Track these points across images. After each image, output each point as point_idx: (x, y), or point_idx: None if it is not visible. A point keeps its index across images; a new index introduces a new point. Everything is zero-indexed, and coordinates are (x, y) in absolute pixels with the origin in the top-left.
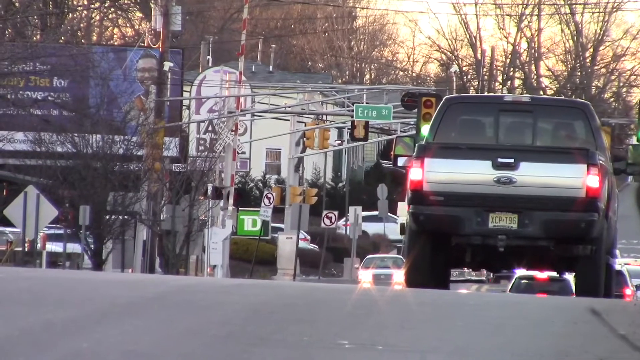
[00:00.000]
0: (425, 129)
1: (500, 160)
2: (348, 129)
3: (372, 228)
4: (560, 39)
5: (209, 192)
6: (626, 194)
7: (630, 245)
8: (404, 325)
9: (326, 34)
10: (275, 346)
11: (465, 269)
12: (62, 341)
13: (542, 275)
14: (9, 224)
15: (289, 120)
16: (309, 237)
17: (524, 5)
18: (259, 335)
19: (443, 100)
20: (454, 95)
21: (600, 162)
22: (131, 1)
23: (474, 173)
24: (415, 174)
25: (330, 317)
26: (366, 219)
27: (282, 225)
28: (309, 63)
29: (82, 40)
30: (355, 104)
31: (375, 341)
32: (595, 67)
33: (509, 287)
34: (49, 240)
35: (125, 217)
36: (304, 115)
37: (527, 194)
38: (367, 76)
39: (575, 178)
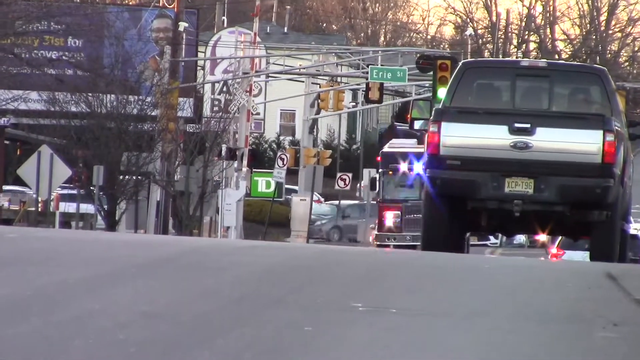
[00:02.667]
0: (441, 92)
1: (516, 125)
2: (363, 90)
3: None
4: (575, 2)
5: (223, 153)
6: None
7: None
8: (418, 288)
9: None
10: (289, 308)
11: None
12: (75, 301)
13: None
14: (22, 183)
15: (303, 81)
16: (322, 199)
17: None
18: (272, 296)
19: (460, 64)
20: (471, 59)
21: (616, 127)
22: None
23: (490, 138)
24: (432, 138)
25: (344, 280)
26: None
27: (295, 187)
28: (324, 25)
29: (97, 0)
30: (370, 66)
31: (389, 304)
32: (610, 31)
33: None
34: (62, 201)
35: (139, 177)
36: (318, 77)
37: (543, 159)
38: (382, 38)
39: (591, 144)
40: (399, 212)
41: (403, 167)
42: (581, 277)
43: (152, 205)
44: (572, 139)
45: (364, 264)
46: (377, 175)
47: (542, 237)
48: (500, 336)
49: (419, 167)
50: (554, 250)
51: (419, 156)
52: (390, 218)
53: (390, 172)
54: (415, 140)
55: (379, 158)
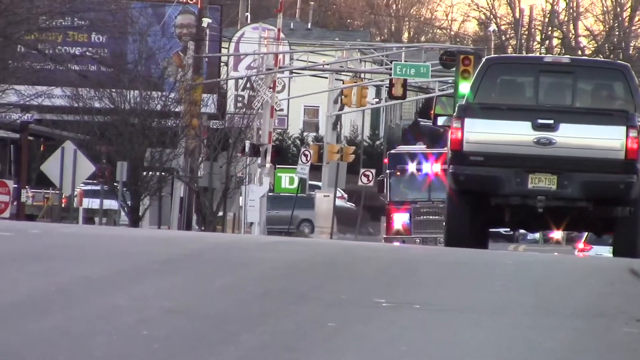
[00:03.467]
0: (463, 87)
1: (539, 121)
2: (386, 87)
3: None
4: None
5: (247, 149)
6: None
7: None
8: (441, 284)
9: None
10: (312, 304)
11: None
12: (98, 297)
13: None
14: (46, 180)
15: (327, 77)
16: (346, 195)
17: None
18: (295, 292)
19: (483, 60)
20: (495, 55)
21: None
22: None
23: (513, 134)
24: (455, 134)
25: (368, 275)
26: None
27: (319, 183)
28: (348, 21)
29: None
30: (393, 62)
31: (413, 300)
32: (634, 27)
33: None
34: (85, 197)
35: (163, 173)
36: (342, 73)
37: (566, 155)
38: (406, 34)
39: (614, 140)
40: (408, 214)
41: (411, 167)
42: (604, 273)
43: (176, 201)
44: (595, 135)
45: (387, 260)
46: (385, 177)
47: (556, 235)
48: (522, 332)
49: (427, 167)
50: (581, 245)
51: (427, 157)
52: (398, 220)
53: (398, 173)
54: (424, 145)
55: (386, 160)
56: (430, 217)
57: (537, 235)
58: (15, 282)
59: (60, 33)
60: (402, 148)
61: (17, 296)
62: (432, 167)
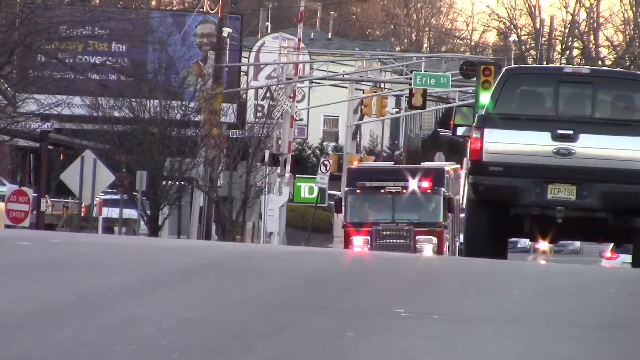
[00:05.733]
0: (484, 98)
1: (559, 131)
2: (406, 96)
3: None
4: (619, 9)
5: (266, 158)
6: None
7: None
8: (460, 294)
9: (384, 2)
10: (332, 314)
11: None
12: (117, 307)
13: None
14: (65, 189)
15: (347, 87)
16: None
17: None
18: (315, 302)
19: (503, 70)
20: (515, 65)
21: None
22: None
23: (533, 144)
24: (475, 144)
25: (387, 285)
26: None
27: (339, 193)
28: (368, 31)
29: (141, 5)
30: (413, 72)
31: (432, 310)
32: None
33: None
34: (105, 206)
35: (182, 182)
36: (362, 83)
37: (586, 165)
38: (426, 44)
39: (634, 150)
40: (368, 238)
41: (374, 185)
42: (624, 283)
43: (195, 210)
44: (615, 146)
45: (407, 270)
46: (343, 195)
47: (542, 246)
48: (542, 342)
49: (393, 185)
50: (608, 254)
51: (391, 173)
52: (357, 243)
53: (359, 191)
54: (392, 162)
55: (345, 175)
56: (394, 240)
57: (527, 243)
58: (35, 291)
59: (80, 42)
60: (365, 164)
61: (37, 305)
62: (400, 184)
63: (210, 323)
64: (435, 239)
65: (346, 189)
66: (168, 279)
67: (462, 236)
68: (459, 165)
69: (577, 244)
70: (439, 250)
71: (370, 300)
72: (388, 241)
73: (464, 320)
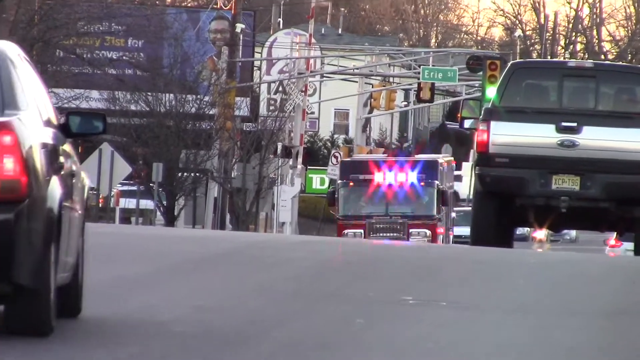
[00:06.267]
0: (490, 91)
1: (563, 124)
2: (414, 90)
3: None
4: (621, 4)
5: (279, 150)
6: None
7: None
8: (467, 282)
9: None
10: (341, 302)
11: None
12: (133, 295)
13: None
14: None
15: (357, 81)
16: None
17: None
18: (325, 291)
19: (509, 65)
20: (520, 60)
21: None
22: None
23: (538, 136)
24: (481, 136)
25: (395, 274)
26: None
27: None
28: (377, 26)
29: (157, 2)
30: (421, 67)
31: (439, 298)
32: None
33: None
34: (122, 197)
35: (197, 174)
36: (371, 77)
37: (589, 157)
38: (433, 39)
39: (636, 142)
40: (362, 231)
41: (367, 177)
42: (626, 272)
43: (210, 201)
44: (617, 138)
45: (415, 259)
46: (336, 188)
47: (539, 234)
48: (545, 329)
49: (387, 177)
50: (612, 242)
51: (387, 165)
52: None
53: (352, 183)
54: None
55: (339, 168)
56: (388, 234)
57: (525, 231)
58: None
59: (98, 38)
60: (358, 156)
61: None
62: (394, 177)
63: (225, 311)
64: (429, 232)
65: (339, 181)
66: (184, 268)
67: (455, 229)
68: (452, 158)
69: (573, 233)
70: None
71: (380, 289)
72: (381, 234)
73: (470, 308)
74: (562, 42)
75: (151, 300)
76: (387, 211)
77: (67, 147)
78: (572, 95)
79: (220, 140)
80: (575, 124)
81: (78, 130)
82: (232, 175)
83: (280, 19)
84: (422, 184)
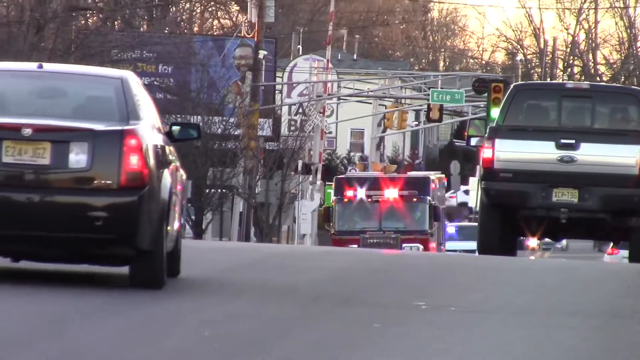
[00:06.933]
0: (494, 112)
1: (562, 141)
2: (424, 111)
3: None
4: (615, 30)
5: (299, 168)
6: None
7: None
8: (474, 288)
9: (404, 26)
10: (358, 307)
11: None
12: (166, 301)
13: None
14: None
15: (371, 103)
16: None
17: (583, 0)
18: (343, 296)
19: (511, 87)
20: (521, 82)
21: None
22: None
23: (539, 152)
24: (487, 153)
25: (408, 281)
26: None
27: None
28: (389, 52)
29: (185, 31)
30: (431, 89)
31: (449, 302)
32: None
33: None
34: None
35: (224, 190)
36: (384, 99)
37: (586, 171)
38: (441, 63)
39: (629, 157)
40: (356, 246)
41: (361, 193)
42: (621, 277)
43: (236, 215)
44: (612, 153)
45: (426, 267)
46: (331, 204)
47: (532, 243)
48: (545, 331)
49: (380, 194)
50: (609, 249)
51: (380, 182)
52: None
53: (346, 200)
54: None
55: (333, 185)
56: (381, 248)
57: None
58: (93, 288)
59: (130, 64)
60: (352, 173)
61: (96, 298)
62: (387, 193)
63: (250, 316)
64: (421, 246)
65: (333, 198)
66: (212, 277)
67: (447, 244)
68: (443, 175)
69: (564, 241)
70: None
71: (394, 294)
72: (375, 249)
73: (477, 312)
74: (560, 65)
75: (183, 305)
76: (381, 226)
77: (172, 148)
78: (570, 114)
79: (245, 158)
80: (573, 141)
81: (179, 136)
82: (256, 191)
83: (300, 46)
84: (415, 199)
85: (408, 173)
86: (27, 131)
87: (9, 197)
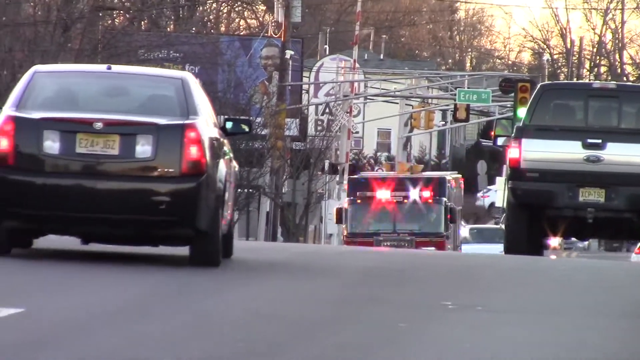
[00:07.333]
0: (521, 112)
1: (589, 140)
2: (451, 111)
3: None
4: None
5: (326, 168)
6: None
7: None
8: (501, 288)
9: (430, 26)
10: (385, 306)
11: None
12: (194, 303)
13: None
14: None
15: (397, 103)
16: None
17: (609, 0)
18: (369, 296)
19: (538, 86)
20: (548, 82)
21: None
22: None
23: (565, 152)
24: (513, 153)
25: (435, 281)
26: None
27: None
28: (416, 52)
29: (212, 31)
30: (457, 89)
31: (475, 302)
32: None
33: None
34: None
35: (250, 190)
36: (411, 99)
37: (613, 171)
38: (468, 63)
39: None
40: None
41: (375, 194)
42: None
43: (262, 215)
44: (639, 153)
45: (452, 267)
46: (344, 205)
47: (554, 242)
48: (573, 331)
49: (395, 195)
50: (636, 249)
51: (395, 183)
52: None
53: (359, 201)
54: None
55: (346, 185)
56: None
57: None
58: (120, 290)
59: (157, 64)
60: (366, 173)
61: (123, 302)
62: (401, 194)
63: (277, 316)
64: (436, 249)
65: (347, 199)
66: (239, 277)
67: (463, 246)
68: (460, 176)
69: (586, 242)
70: None
71: (420, 294)
72: None
73: (505, 312)
74: (587, 65)
75: (211, 306)
76: (395, 228)
77: (226, 142)
78: (597, 114)
79: (272, 158)
80: (600, 141)
81: (232, 131)
82: (283, 191)
83: (327, 46)
84: (430, 200)
85: (423, 173)
86: (99, 125)
87: (83, 184)
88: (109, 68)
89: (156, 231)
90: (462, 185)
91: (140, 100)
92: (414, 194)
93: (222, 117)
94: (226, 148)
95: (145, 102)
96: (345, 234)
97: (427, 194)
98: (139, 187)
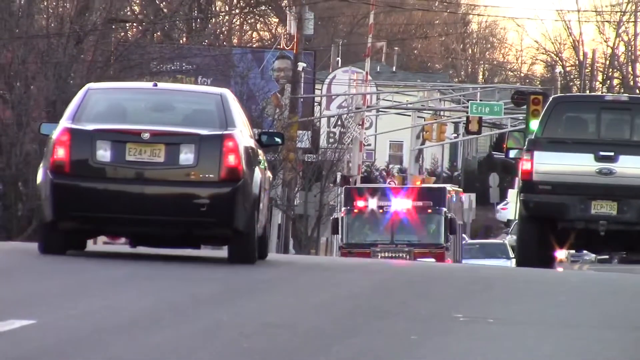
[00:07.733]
0: (533, 124)
1: (601, 153)
2: (463, 123)
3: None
4: None
5: (338, 180)
6: None
7: None
8: (513, 300)
9: (443, 38)
10: (396, 319)
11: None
12: (205, 313)
13: None
14: None
15: (410, 115)
16: None
17: (622, 13)
18: (381, 309)
19: (550, 99)
20: (560, 94)
21: None
22: (268, 7)
23: (578, 165)
24: (526, 165)
25: (446, 293)
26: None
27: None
28: (428, 64)
29: (224, 43)
30: (470, 101)
31: (487, 314)
32: None
33: None
34: None
35: None
36: (423, 111)
37: (625, 183)
38: (480, 76)
39: None
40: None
41: (372, 204)
42: None
43: (274, 227)
44: None
45: (464, 279)
46: (340, 215)
47: (560, 255)
48: (585, 343)
49: (392, 205)
50: None
51: (392, 193)
52: None
53: (356, 211)
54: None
55: (343, 194)
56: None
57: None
58: (131, 301)
59: (169, 77)
60: (362, 184)
61: (134, 313)
62: (398, 204)
63: (289, 327)
64: (435, 261)
65: (343, 209)
66: (251, 288)
67: (464, 262)
68: (461, 189)
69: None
70: None
71: (432, 307)
72: None
73: (516, 324)
74: (599, 78)
75: (222, 318)
76: (393, 239)
77: (261, 152)
78: (609, 126)
79: (284, 170)
80: (612, 153)
81: (266, 143)
82: (295, 203)
83: (339, 58)
84: (429, 211)
85: (423, 184)
86: (146, 135)
87: (132, 188)
88: (155, 85)
89: (198, 231)
90: (462, 200)
91: (184, 114)
92: (412, 204)
93: (256, 130)
94: (261, 157)
95: (187, 115)
96: (341, 244)
97: (426, 204)
98: (182, 191)
